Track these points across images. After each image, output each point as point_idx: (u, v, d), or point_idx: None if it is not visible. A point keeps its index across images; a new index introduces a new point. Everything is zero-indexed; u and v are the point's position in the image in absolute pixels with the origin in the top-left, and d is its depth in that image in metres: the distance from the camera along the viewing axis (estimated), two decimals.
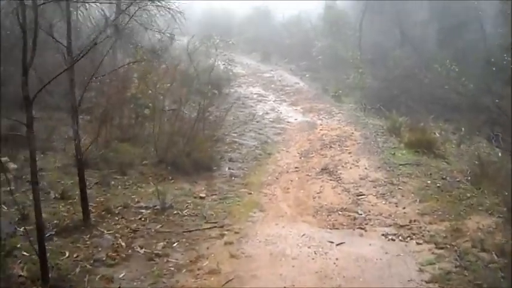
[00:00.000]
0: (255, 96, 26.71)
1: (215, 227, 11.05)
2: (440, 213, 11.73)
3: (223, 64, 27.39)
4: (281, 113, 23.30)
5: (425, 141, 16.61)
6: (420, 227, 10.98)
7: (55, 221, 10.42)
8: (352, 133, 19.23)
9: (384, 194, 12.98)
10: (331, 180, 14.15)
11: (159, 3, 19.48)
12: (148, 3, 16.69)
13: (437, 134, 19.26)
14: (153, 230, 10.70)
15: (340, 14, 32.85)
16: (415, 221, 11.33)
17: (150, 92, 16.16)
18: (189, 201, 12.43)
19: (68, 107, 11.96)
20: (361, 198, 12.76)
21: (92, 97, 16.10)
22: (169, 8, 22.79)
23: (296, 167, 15.39)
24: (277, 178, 14.48)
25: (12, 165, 12.56)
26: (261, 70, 34.41)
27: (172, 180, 13.83)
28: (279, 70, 34.22)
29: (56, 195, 11.83)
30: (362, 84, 26.34)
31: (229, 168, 15.14)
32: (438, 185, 13.53)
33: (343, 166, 15.29)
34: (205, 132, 16.42)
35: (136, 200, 12.21)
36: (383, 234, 10.65)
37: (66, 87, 11.21)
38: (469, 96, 23.48)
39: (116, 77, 15.75)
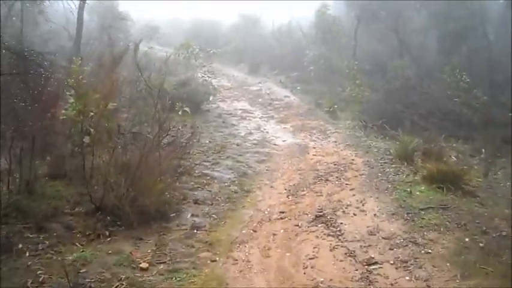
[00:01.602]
0: (239, 113, 22.40)
1: None
2: None
3: (202, 76, 23.07)
4: (267, 132, 18.98)
5: (449, 173, 12.20)
6: None
7: None
8: (353, 160, 14.88)
9: (406, 261, 8.47)
10: (329, 235, 9.67)
11: None
12: None
13: (453, 158, 15.07)
14: None
15: (334, 21, 28.43)
16: None
17: (92, 113, 11.75)
18: (123, 276, 8.02)
19: None
20: (374, 269, 8.30)
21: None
22: None
23: (281, 212, 10.94)
24: (254, 231, 10.01)
25: None
26: (248, 82, 30.12)
27: (109, 238, 9.38)
28: (268, 82, 29.94)
29: None
30: (360, 98, 22.06)
31: (192, 215, 10.68)
32: (480, 244, 9.13)
33: (344, 211, 10.86)
34: (166, 163, 12.07)
35: (41, 278, 7.80)
36: None
37: None
38: (483, 110, 19.54)
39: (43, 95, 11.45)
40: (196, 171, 13.29)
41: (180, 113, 16.31)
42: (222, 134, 18.14)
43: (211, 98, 23.25)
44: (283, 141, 17.62)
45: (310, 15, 32.07)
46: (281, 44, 34.29)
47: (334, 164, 14.42)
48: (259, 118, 21.61)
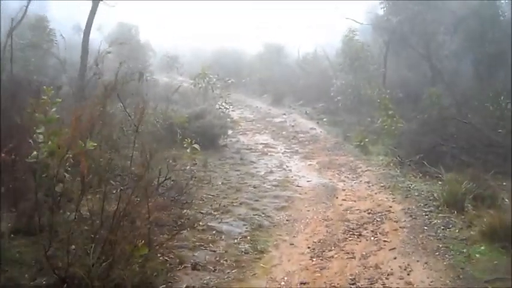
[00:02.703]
0: (260, 148, 19.77)
1: None
2: None
3: (219, 108, 20.56)
4: (290, 170, 16.27)
5: None
6: None
7: None
8: (391, 207, 12.01)
9: None
10: None
11: None
12: None
13: (506, 200, 12.14)
14: None
15: (362, 47, 25.69)
16: None
17: (68, 155, 9.19)
18: None
19: None
20: None
21: None
22: None
23: (302, 284, 8.15)
24: None
25: None
26: (271, 114, 27.47)
27: None
28: (293, 114, 27.25)
29: None
30: (393, 130, 19.21)
31: None
32: None
33: (384, 284, 8.02)
34: (160, 216, 9.48)
35: None
36: None
37: None
38: None
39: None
40: (201, 224, 10.59)
41: (188, 150, 13.75)
42: (238, 173, 15.49)
43: (229, 132, 20.75)
44: (308, 181, 14.86)
45: (336, 42, 29.54)
46: (306, 73, 31.71)
47: (368, 213, 11.59)
48: (282, 153, 18.94)
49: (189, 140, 14.25)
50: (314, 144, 20.72)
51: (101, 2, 20.23)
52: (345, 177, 15.34)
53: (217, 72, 31.68)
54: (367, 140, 19.11)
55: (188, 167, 14.22)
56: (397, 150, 17.45)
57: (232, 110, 28.63)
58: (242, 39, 41.01)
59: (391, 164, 16.23)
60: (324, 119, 25.15)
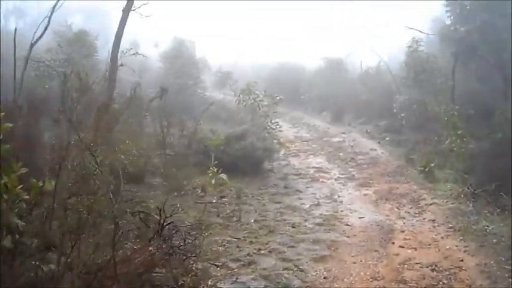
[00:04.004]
0: (311, 172, 17.10)
1: None
2: None
3: (266, 128, 17.99)
4: (341, 202, 13.51)
5: None
6: None
7: None
8: (461, 261, 8.99)
9: None
10: None
11: None
12: None
13: None
14: None
15: (428, 59, 22.35)
16: None
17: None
18: None
19: None
20: None
21: None
22: None
23: None
24: None
25: None
26: (329, 133, 24.64)
27: None
28: (353, 132, 24.29)
29: None
30: (463, 152, 15.95)
31: None
32: None
33: None
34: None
35: None
36: None
37: None
38: None
39: None
40: (210, 283, 8.06)
41: (213, 181, 11.31)
42: (278, 206, 12.87)
43: (281, 153, 18.27)
44: (360, 218, 12.02)
45: (400, 55, 26.40)
46: (368, 89, 28.54)
47: (432, 270, 8.64)
48: (335, 180, 16.18)
49: (214, 169, 11.86)
50: (373, 167, 17.81)
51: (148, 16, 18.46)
52: (406, 212, 12.38)
53: (275, 88, 29.41)
54: (433, 164, 15.94)
55: (215, 201, 11.83)
56: (468, 176, 14.32)
57: (289, 128, 26.22)
58: (303, 54, 38.50)
59: (462, 196, 13.06)
60: (386, 138, 22.06)
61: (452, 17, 21.90)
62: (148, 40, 38.54)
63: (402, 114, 22.31)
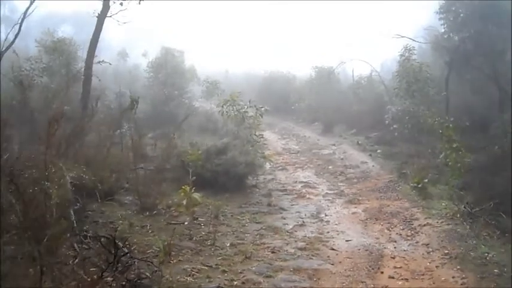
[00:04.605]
0: (298, 188, 15.86)
1: None
2: None
3: (250, 142, 16.69)
4: (327, 222, 12.24)
5: None
6: None
7: None
8: None
9: None
10: None
11: None
12: None
13: None
14: None
15: (420, 68, 21.07)
16: None
17: None
18: None
19: None
20: None
21: None
22: None
23: None
24: None
25: None
26: (319, 145, 23.41)
27: None
28: (343, 144, 23.06)
29: None
30: (459, 167, 14.65)
31: None
32: None
33: None
34: None
35: None
36: None
37: None
38: None
39: None
40: None
41: (184, 202, 10.02)
42: (258, 227, 11.53)
43: (266, 167, 17.01)
44: (347, 241, 10.71)
45: (392, 64, 25.28)
46: (360, 99, 27.33)
47: None
48: (323, 196, 14.92)
49: (186, 187, 10.54)
50: (363, 182, 16.59)
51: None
52: (397, 234, 11.10)
53: (266, 98, 28.19)
54: (426, 180, 14.70)
55: (187, 223, 10.54)
56: (464, 193, 13.06)
57: (278, 140, 25.02)
58: (294, 63, 37.58)
59: (458, 215, 11.76)
60: (378, 151, 20.80)
61: (445, 25, 20.82)
62: (138, 49, 37.57)
63: (394, 126, 21.03)
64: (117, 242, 7.44)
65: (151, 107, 25.42)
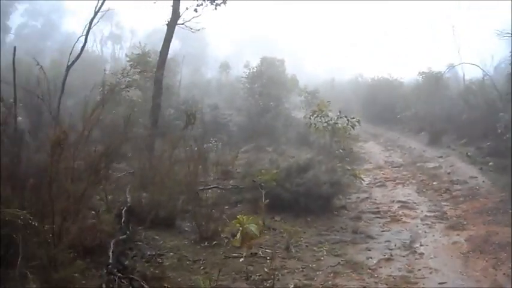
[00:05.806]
0: (393, 209, 13.88)
1: None
2: None
3: (337, 158, 14.94)
4: (421, 255, 10.20)
5: None
6: None
7: None
8: None
9: None
10: None
11: None
12: None
13: None
14: None
15: None
16: None
17: None
18: None
19: None
20: None
21: None
22: None
23: None
24: None
25: None
26: (424, 157, 20.92)
27: None
28: (451, 156, 20.39)
29: None
30: None
31: None
32: None
33: None
34: None
35: None
36: None
37: None
38: None
39: None
40: None
41: (238, 236, 8.58)
42: (336, 261, 9.81)
43: (363, 184, 15.25)
44: (440, 284, 8.72)
45: (507, 68, 22.14)
46: (470, 107, 24.29)
47: None
48: (421, 220, 12.84)
49: (242, 217, 8.89)
50: (471, 202, 14.20)
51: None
52: (505, 275, 8.87)
53: (371, 107, 26.22)
54: None
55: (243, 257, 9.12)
56: None
57: (381, 152, 22.93)
58: (400, 68, 35.14)
59: None
60: (490, 163, 18.02)
61: None
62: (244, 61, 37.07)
63: (508, 135, 18.12)
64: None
65: (247, 118, 24.51)
